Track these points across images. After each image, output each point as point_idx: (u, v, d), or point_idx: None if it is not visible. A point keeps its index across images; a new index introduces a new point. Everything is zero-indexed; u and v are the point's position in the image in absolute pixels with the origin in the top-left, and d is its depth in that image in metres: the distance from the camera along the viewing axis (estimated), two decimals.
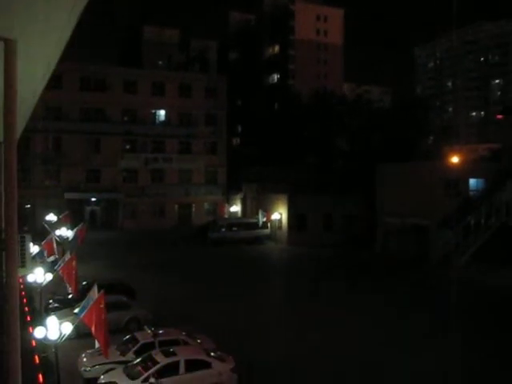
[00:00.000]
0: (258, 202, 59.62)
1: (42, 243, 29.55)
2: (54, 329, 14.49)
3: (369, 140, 67.45)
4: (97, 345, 18.93)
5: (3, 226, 7.58)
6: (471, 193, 44.70)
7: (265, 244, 53.05)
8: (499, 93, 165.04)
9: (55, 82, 55.10)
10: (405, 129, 65.96)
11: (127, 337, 20.67)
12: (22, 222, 45.93)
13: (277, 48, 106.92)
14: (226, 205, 68.34)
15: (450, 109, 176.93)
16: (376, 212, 49.78)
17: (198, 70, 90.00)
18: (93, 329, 15.48)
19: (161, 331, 20.37)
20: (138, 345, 19.45)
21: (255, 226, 55.28)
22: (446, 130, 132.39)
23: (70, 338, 15.41)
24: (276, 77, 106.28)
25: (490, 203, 42.43)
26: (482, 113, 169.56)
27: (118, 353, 19.37)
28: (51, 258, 29.14)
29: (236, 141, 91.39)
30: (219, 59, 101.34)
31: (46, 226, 42.30)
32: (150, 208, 65.30)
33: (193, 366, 17.87)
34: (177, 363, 17.72)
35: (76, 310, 19.21)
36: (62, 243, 34.96)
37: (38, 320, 20.10)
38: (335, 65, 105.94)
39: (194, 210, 67.86)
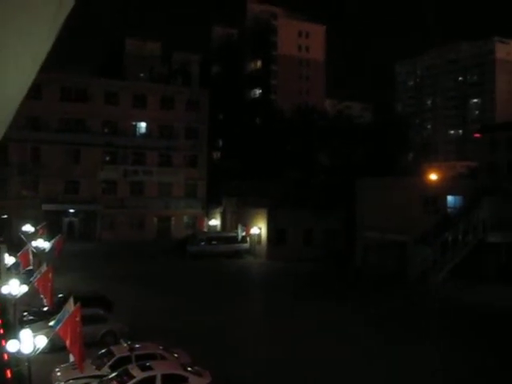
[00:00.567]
0: (238, 216, 59.54)
1: (18, 254, 29.16)
2: (27, 342, 14.23)
3: (350, 155, 67.92)
4: (72, 359, 18.64)
5: None
6: (449, 210, 45.10)
7: (244, 258, 52.89)
8: (477, 112, 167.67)
9: (35, 91, 54.74)
10: (385, 145, 66.58)
11: (103, 351, 20.34)
12: None
13: (259, 63, 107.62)
14: (206, 218, 68.09)
15: (429, 126, 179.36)
16: (356, 227, 49.99)
17: (180, 83, 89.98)
18: (68, 342, 15.26)
19: (137, 345, 20.12)
20: (114, 359, 19.15)
21: (234, 240, 55.16)
22: (425, 147, 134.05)
23: (44, 351, 15.15)
24: (258, 92, 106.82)
25: (467, 220, 42.84)
26: (461, 131, 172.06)
27: (94, 367, 19.06)
28: (27, 269, 28.75)
29: (217, 155, 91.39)
30: (201, 73, 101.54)
31: (22, 237, 41.75)
32: (128, 220, 64.84)
33: (169, 380, 17.65)
34: (153, 378, 17.49)
35: (51, 323, 18.95)
36: (39, 255, 34.51)
37: (12, 333, 19.73)
38: (317, 80, 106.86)
39: (173, 223, 67.51)
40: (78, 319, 15.34)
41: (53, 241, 37.41)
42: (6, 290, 22.06)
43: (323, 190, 58.86)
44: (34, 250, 33.33)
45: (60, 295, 26.56)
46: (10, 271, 25.39)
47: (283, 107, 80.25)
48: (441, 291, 37.64)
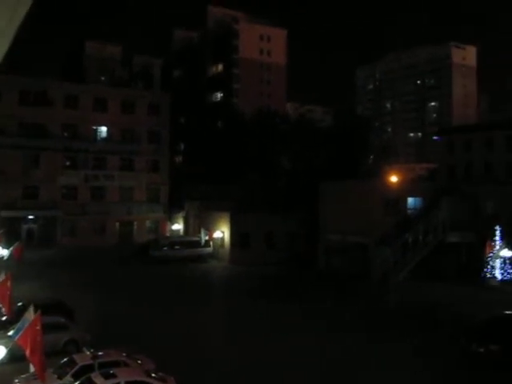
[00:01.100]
0: (201, 220, 59.32)
1: None
2: None
3: (311, 159, 68.47)
4: (32, 369, 18.21)
5: None
6: (409, 211, 45.87)
7: (207, 262, 52.68)
8: (435, 115, 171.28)
9: None
10: (346, 148, 67.36)
11: (65, 359, 19.91)
12: None
13: (220, 67, 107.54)
14: (168, 223, 67.68)
15: (389, 129, 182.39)
16: (319, 230, 50.36)
17: (142, 86, 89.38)
18: (28, 352, 14.93)
19: (100, 353, 19.80)
20: (77, 367, 18.75)
21: (198, 244, 54.97)
22: (386, 150, 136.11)
23: (3, 362, 14.79)
24: (219, 95, 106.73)
25: (427, 221, 43.64)
26: (420, 134, 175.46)
27: (55, 376, 18.65)
28: None
29: (179, 159, 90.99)
30: (163, 76, 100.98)
31: None
32: (89, 226, 63.91)
33: None
34: None
35: (10, 333, 18.50)
36: None
37: None
38: (278, 84, 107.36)
39: (135, 227, 66.87)
40: (38, 328, 15.02)
41: (11, 248, 36.64)
42: None
43: (286, 193, 59.21)
44: None
45: (19, 304, 25.92)
46: None
47: (245, 111, 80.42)
48: (400, 291, 38.34)
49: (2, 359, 14.27)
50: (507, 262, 42.05)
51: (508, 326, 24.32)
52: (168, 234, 65.64)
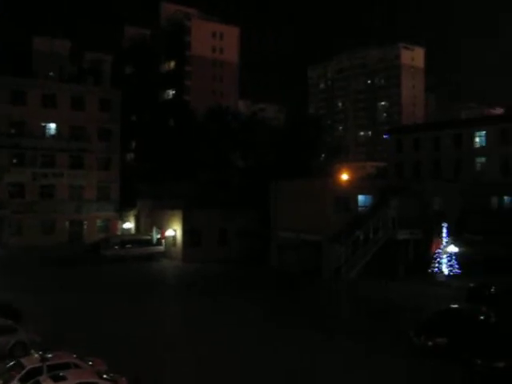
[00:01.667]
0: (153, 219, 58.78)
1: None
2: None
3: (263, 157, 68.61)
4: None
5: None
6: (360, 209, 46.61)
7: (160, 261, 52.25)
8: (385, 114, 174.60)
9: None
10: (298, 146, 67.76)
11: (11, 363, 19.32)
12: None
13: (172, 64, 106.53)
14: (120, 221, 66.76)
15: (341, 128, 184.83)
16: (271, 227, 50.63)
17: (92, 83, 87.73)
18: None
19: (49, 355, 19.28)
20: (24, 371, 18.18)
21: (149, 242, 54.53)
22: (337, 149, 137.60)
23: None
24: (171, 93, 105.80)
25: (377, 218, 44.45)
26: (370, 132, 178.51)
27: (1, 381, 18.14)
28: None
29: (130, 156, 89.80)
30: (114, 73, 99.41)
31: None
32: (38, 225, 62.36)
33: None
34: None
35: None
36: None
37: None
38: (231, 82, 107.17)
39: (85, 226, 65.69)
40: None
41: None
42: None
43: (238, 191, 59.24)
44: None
45: None
46: None
47: (197, 108, 79.91)
48: (349, 287, 39.24)
49: None
50: (453, 257, 43.33)
51: (454, 320, 25.08)
52: (119, 233, 64.77)
